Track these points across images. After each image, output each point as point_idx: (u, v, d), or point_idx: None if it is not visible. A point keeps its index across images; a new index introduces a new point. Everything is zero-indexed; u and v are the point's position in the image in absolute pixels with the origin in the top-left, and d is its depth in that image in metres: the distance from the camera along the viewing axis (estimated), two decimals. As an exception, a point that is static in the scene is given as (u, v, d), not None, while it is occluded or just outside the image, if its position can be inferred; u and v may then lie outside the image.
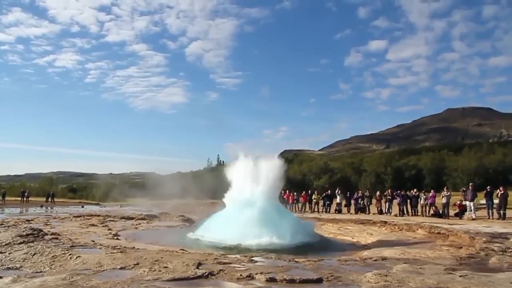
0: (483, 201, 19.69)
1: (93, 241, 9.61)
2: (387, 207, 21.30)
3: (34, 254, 6.85)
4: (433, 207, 19.35)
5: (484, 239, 10.09)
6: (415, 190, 21.65)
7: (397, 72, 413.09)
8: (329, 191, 25.69)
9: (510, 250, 8.42)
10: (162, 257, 6.63)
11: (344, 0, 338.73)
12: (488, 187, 17.91)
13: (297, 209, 24.60)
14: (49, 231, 10.81)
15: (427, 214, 19.36)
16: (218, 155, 75.69)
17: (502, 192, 16.96)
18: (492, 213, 17.15)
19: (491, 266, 6.85)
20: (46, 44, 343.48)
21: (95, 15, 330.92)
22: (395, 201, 20.99)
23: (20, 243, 8.00)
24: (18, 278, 5.14)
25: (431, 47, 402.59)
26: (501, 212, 16.67)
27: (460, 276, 5.62)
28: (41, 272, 5.65)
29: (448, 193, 19.16)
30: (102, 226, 14.73)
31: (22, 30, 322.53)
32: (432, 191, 21.22)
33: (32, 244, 7.91)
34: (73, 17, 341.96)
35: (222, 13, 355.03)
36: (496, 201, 17.40)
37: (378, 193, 23.27)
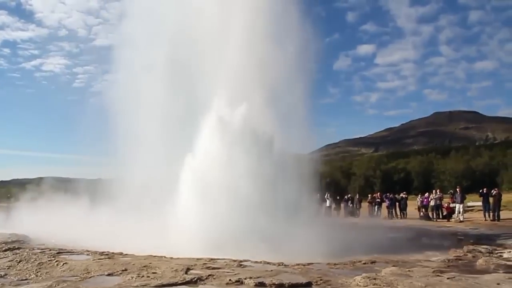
0: (471, 203, 19.90)
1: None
2: (376, 210, 21.40)
3: (19, 261, 6.71)
4: (423, 210, 19.48)
5: (471, 241, 10.23)
6: (404, 193, 21.80)
7: (385, 76, 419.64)
8: (318, 195, 25.64)
9: (496, 251, 8.55)
10: (150, 263, 6.55)
11: (333, 4, 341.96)
12: (485, 188, 17.85)
13: None
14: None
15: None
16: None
17: (495, 194, 17.10)
18: (488, 214, 17.20)
19: (478, 267, 6.93)
20: (33, 48, 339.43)
21: (83, 18, 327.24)
22: (384, 204, 21.11)
23: (5, 250, 7.85)
24: (2, 286, 5.03)
25: (419, 51, 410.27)
26: (495, 213, 16.83)
27: (448, 278, 5.68)
28: (26, 279, 5.54)
29: (436, 195, 19.29)
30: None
31: (9, 33, 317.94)
32: (426, 193, 21.09)
33: (17, 251, 7.77)
34: (61, 20, 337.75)
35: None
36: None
37: (369, 196, 23.29)
